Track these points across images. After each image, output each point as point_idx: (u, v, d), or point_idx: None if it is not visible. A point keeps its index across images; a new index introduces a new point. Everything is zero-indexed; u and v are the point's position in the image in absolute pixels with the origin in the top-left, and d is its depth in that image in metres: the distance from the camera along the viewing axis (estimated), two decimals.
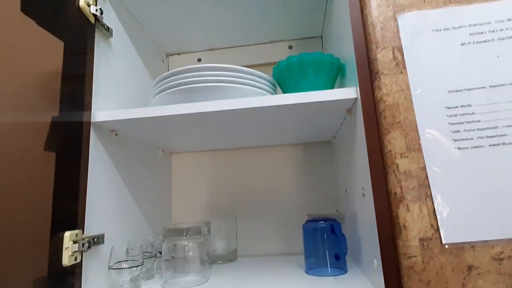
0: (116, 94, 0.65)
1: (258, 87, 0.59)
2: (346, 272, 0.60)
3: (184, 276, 0.61)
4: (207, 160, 0.92)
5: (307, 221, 0.64)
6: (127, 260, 0.58)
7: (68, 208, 0.50)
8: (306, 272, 0.62)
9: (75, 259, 0.47)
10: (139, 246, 0.60)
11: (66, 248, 0.45)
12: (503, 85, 0.43)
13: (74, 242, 0.47)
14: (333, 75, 0.61)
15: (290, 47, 0.92)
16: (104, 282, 0.56)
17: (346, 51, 0.57)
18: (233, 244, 0.82)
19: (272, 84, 0.64)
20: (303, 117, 0.61)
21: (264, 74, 0.62)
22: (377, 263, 0.45)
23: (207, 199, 0.90)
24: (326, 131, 0.75)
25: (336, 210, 0.84)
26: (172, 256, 0.62)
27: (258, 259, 0.78)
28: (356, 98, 0.51)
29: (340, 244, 0.62)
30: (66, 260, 0.46)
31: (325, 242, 0.61)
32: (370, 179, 0.45)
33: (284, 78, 0.61)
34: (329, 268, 0.60)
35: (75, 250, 0.47)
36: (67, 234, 0.47)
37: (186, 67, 0.57)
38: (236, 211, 0.88)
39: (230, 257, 0.79)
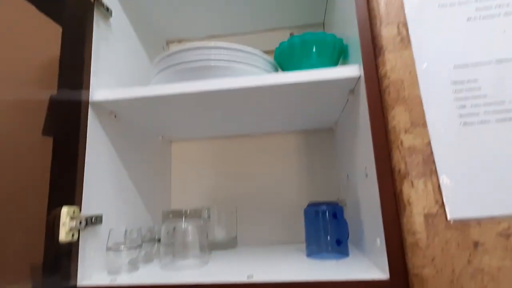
0: (115, 76, 0.64)
1: (259, 67, 0.58)
2: (347, 256, 0.59)
3: (184, 260, 0.60)
4: (208, 148, 0.91)
5: (309, 205, 0.63)
6: (125, 243, 0.57)
7: (65, 186, 0.49)
8: (307, 257, 0.61)
9: (72, 236, 0.47)
10: (137, 229, 0.59)
11: (63, 223, 0.45)
12: (510, 59, 0.42)
13: (71, 218, 0.46)
14: (336, 56, 0.60)
15: (292, 35, 0.91)
16: (102, 263, 0.55)
17: (350, 32, 0.56)
18: (233, 232, 0.81)
19: (274, 66, 0.63)
20: (304, 100, 0.60)
21: (266, 55, 0.61)
22: (380, 242, 0.45)
23: (207, 187, 0.89)
24: (327, 116, 0.74)
25: (337, 199, 0.83)
26: (172, 242, 0.61)
27: (258, 246, 0.77)
28: (359, 77, 0.50)
29: (341, 229, 0.61)
30: (63, 235, 0.45)
31: (327, 226, 0.60)
32: (373, 156, 0.44)
33: (286, 60, 0.61)
34: (330, 253, 0.59)
35: (72, 227, 0.46)
36: (64, 209, 0.46)
37: (186, 46, 0.56)
38: (236, 200, 0.87)
39: (230, 245, 0.78)
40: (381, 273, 0.43)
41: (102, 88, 0.57)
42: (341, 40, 0.60)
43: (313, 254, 0.61)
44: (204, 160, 0.90)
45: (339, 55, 0.61)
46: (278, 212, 0.85)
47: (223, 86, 0.52)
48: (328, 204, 0.62)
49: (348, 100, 0.61)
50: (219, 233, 0.79)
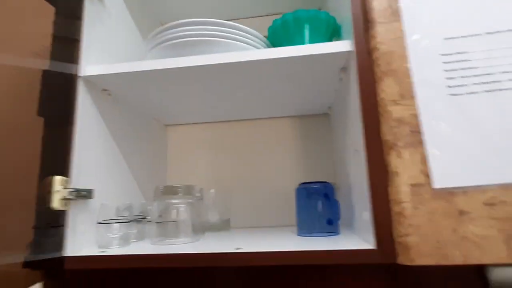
0: (108, 54, 0.63)
1: (252, 45, 0.58)
2: (338, 235, 0.59)
3: (175, 239, 0.60)
4: (203, 133, 0.91)
5: (301, 184, 0.63)
6: (116, 218, 0.58)
7: (54, 158, 0.49)
8: (298, 235, 0.61)
9: (64, 205, 0.47)
10: (128, 204, 0.60)
11: (56, 191, 0.45)
12: (499, 32, 0.42)
13: (64, 188, 0.47)
14: (329, 34, 0.59)
15: None
16: (92, 238, 0.55)
17: (343, 10, 0.56)
18: (227, 215, 0.82)
19: (267, 45, 0.63)
20: (296, 78, 0.60)
21: (258, 33, 0.61)
22: (367, 214, 0.45)
23: (202, 171, 0.89)
24: (322, 99, 0.74)
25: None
26: (164, 221, 0.61)
27: (252, 229, 0.78)
28: (351, 53, 0.50)
29: (333, 208, 0.61)
30: (56, 203, 0.45)
31: (318, 206, 0.61)
32: (363, 128, 0.44)
33: (279, 38, 0.60)
34: (321, 232, 0.59)
35: (64, 196, 0.46)
36: (58, 178, 0.46)
37: (179, 21, 0.56)
38: (231, 184, 0.87)
39: (223, 227, 0.78)
40: (368, 244, 0.44)
41: (93, 64, 0.57)
42: (334, 19, 0.59)
43: (304, 232, 0.61)
44: (199, 144, 0.91)
45: (332, 34, 0.61)
46: (273, 197, 0.85)
47: (210, 61, 0.52)
48: (319, 183, 0.62)
49: (340, 79, 0.60)
50: (212, 216, 0.79)
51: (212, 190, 0.81)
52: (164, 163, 0.90)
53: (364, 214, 0.47)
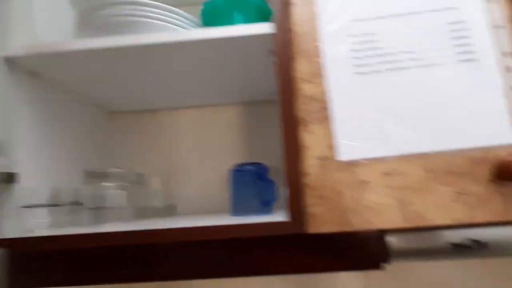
0: (36, 35, 0.61)
1: (184, 28, 0.58)
2: (271, 214, 0.61)
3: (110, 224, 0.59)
4: (150, 120, 0.90)
5: (234, 166, 0.64)
6: (45, 203, 0.56)
7: None
8: (232, 216, 0.62)
9: None
10: (58, 188, 0.58)
11: None
12: (402, 14, 0.45)
13: None
14: (260, 18, 0.60)
15: None
16: (17, 224, 0.54)
17: None
18: (172, 201, 0.82)
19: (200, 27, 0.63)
20: (229, 62, 0.61)
21: (191, 16, 0.61)
22: (284, 190, 0.47)
23: (149, 158, 0.88)
24: (264, 85, 0.75)
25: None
26: (97, 207, 0.59)
27: (199, 214, 0.78)
28: (274, 34, 0.51)
29: (267, 190, 0.62)
30: None
31: (252, 187, 0.62)
32: (280, 106, 0.46)
33: (211, 21, 0.61)
34: (253, 211, 0.60)
35: None
36: None
37: (110, 0, 0.55)
38: (179, 171, 0.87)
39: (169, 213, 0.78)
40: (284, 217, 0.46)
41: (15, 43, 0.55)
42: (265, 2, 0.61)
43: (237, 213, 0.62)
44: (146, 131, 0.89)
45: (264, 18, 0.61)
46: (223, 184, 0.86)
47: (132, 42, 0.52)
48: (253, 164, 0.63)
49: (273, 62, 0.62)
50: (157, 202, 0.79)
51: (157, 177, 0.81)
52: (109, 150, 0.88)
53: (282, 189, 0.48)
